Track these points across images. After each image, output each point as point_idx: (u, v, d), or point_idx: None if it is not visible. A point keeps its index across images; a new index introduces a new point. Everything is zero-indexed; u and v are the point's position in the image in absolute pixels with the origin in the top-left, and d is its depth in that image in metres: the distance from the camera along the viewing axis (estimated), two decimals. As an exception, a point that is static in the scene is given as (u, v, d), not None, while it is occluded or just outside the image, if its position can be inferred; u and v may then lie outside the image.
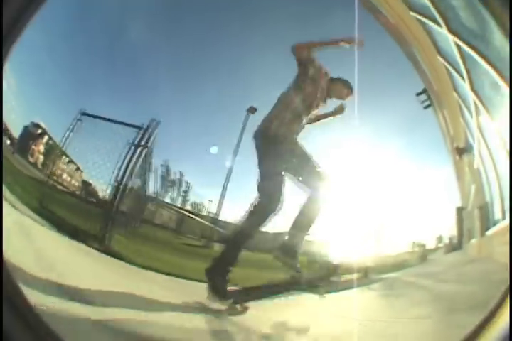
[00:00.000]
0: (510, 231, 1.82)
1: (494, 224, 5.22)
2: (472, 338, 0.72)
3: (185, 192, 12.97)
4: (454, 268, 5.17)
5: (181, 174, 13.10)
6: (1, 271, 0.75)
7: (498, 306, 0.72)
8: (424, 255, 10.36)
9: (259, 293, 2.13)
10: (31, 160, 5.64)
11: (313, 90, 2.13)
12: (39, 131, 7.53)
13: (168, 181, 11.66)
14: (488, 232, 5.52)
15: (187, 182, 12.81)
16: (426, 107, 9.45)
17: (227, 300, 1.92)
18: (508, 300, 0.71)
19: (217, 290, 1.92)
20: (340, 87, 2.32)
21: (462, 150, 6.94)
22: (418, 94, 9.12)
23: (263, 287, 2.17)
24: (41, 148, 6.83)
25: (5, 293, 0.72)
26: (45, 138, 7.48)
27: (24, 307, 0.76)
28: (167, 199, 11.69)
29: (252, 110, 11.52)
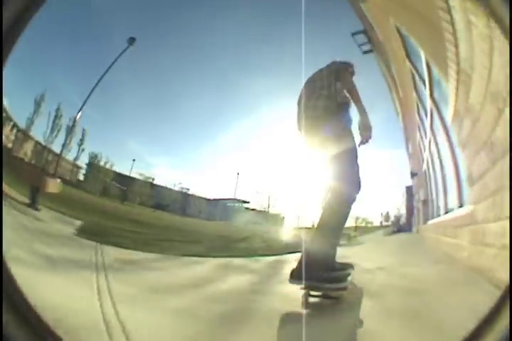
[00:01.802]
0: (511, 231, 1.47)
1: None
2: (472, 338, 0.70)
3: (81, 140, 11.43)
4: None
5: (74, 120, 11.48)
6: (1, 271, 0.74)
7: (498, 306, 0.69)
8: (350, 236, 8.25)
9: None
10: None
11: None
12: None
13: (57, 125, 10.14)
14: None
15: (83, 129, 11.43)
16: (366, 52, 7.26)
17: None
18: (508, 301, 0.69)
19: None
20: None
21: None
22: (354, 34, 6.84)
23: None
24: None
25: (5, 293, 0.71)
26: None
27: (24, 307, 0.74)
28: (57, 146, 10.75)
29: (131, 41, 10.47)
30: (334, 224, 1.87)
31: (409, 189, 9.98)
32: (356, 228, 11.97)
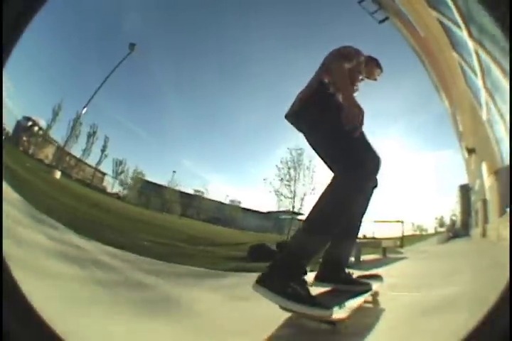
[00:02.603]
0: (510, 228, 1.55)
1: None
2: (472, 338, 0.66)
3: (104, 147, 11.84)
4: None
5: (96, 126, 12.19)
6: (1, 271, 0.73)
7: (498, 305, 0.66)
8: (386, 247, 6.84)
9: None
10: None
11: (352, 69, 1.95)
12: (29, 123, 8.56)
13: (76, 130, 11.25)
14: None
15: (106, 137, 11.99)
16: (382, 21, 6.27)
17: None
18: (508, 299, 0.66)
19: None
20: (373, 67, 2.15)
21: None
22: (361, 2, 5.92)
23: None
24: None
25: (5, 293, 0.70)
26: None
27: (24, 307, 0.73)
28: (78, 150, 11.54)
29: (131, 47, 10.27)
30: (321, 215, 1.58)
31: (463, 187, 8.35)
32: (403, 238, 10.07)
